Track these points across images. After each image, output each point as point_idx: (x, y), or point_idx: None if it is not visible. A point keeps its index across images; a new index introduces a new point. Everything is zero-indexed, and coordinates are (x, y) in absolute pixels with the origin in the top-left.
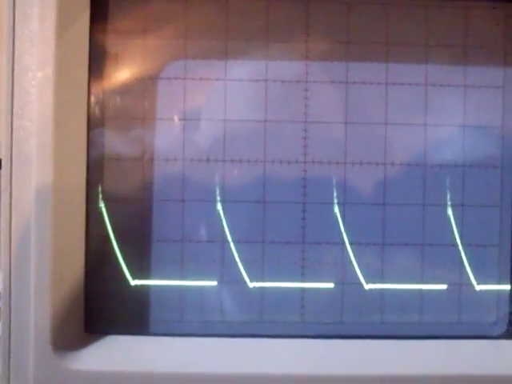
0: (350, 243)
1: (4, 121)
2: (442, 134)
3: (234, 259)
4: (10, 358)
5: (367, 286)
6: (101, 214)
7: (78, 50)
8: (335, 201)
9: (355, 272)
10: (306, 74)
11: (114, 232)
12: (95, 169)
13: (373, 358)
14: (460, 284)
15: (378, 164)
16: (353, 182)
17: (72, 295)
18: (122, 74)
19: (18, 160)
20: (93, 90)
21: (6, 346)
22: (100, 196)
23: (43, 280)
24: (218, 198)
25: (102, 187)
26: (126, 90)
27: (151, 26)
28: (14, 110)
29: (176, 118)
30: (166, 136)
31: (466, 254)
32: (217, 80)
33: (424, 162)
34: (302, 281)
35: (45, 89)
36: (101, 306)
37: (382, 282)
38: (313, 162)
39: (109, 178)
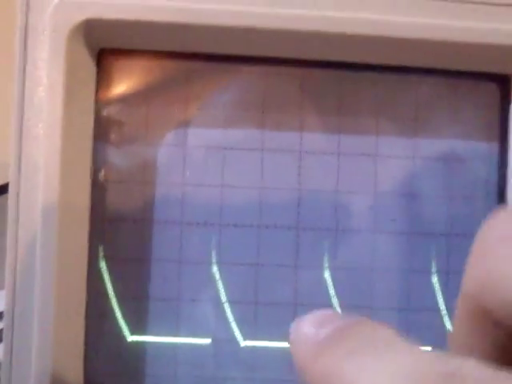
0: (340, 306)
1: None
2: (428, 205)
3: (228, 319)
4: None
5: None
6: (101, 272)
7: (83, 117)
8: (326, 265)
9: None
10: (300, 144)
11: (113, 289)
12: (96, 229)
13: None
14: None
15: (366, 231)
16: (343, 247)
17: (73, 343)
18: (124, 139)
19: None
20: (96, 154)
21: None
22: (100, 255)
23: (46, 320)
24: (214, 260)
25: (103, 247)
26: (127, 154)
27: (154, 94)
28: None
29: (176, 183)
30: (166, 200)
31: (450, 320)
32: (216, 148)
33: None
34: None
35: (52, 159)
36: (99, 359)
37: None
38: (304, 228)
39: (109, 238)
